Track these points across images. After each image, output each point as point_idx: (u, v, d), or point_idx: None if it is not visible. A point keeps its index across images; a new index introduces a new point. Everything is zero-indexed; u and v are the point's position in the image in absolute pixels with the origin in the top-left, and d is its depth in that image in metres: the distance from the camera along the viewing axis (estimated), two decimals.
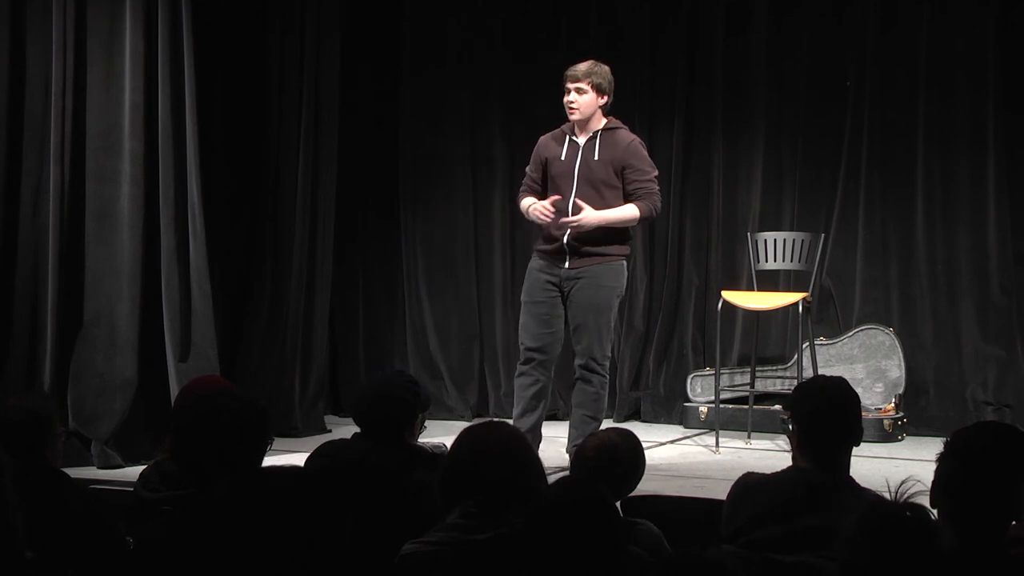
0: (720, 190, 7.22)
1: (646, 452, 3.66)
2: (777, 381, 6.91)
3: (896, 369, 6.78)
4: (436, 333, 7.44)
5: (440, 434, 4.63)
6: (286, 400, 6.50)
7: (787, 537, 2.93)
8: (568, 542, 2.40)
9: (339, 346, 7.49)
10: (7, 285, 5.60)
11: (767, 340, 7.07)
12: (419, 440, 3.76)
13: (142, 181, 5.64)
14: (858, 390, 3.32)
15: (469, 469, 2.83)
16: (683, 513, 4.02)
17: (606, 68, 5.44)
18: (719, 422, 6.34)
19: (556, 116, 5.67)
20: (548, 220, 5.29)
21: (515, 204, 5.74)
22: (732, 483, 3.23)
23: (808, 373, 6.28)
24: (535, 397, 5.36)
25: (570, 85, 5.39)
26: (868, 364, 6.84)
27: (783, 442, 3.72)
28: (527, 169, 5.59)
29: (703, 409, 6.86)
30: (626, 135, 5.46)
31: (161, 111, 5.64)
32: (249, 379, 6.28)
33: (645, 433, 6.05)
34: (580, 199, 5.32)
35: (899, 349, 6.78)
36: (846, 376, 3.96)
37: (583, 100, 5.37)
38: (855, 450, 3.16)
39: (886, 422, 6.48)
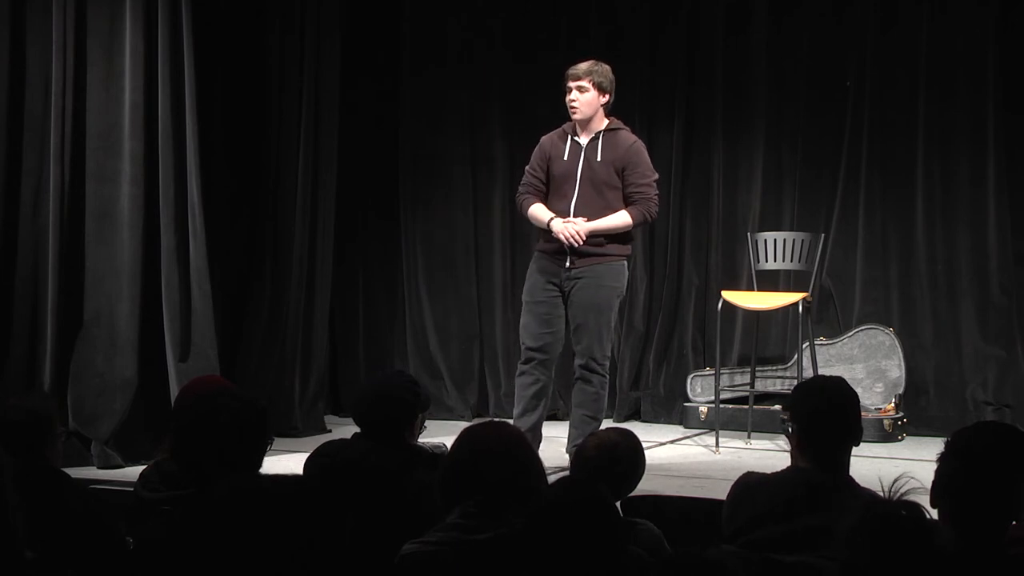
0: (720, 190, 7.22)
1: (646, 452, 3.66)
2: (777, 381, 6.91)
3: (896, 369, 6.78)
4: (436, 333, 7.44)
5: (440, 434, 4.62)
6: (286, 400, 6.50)
7: (787, 537, 2.93)
8: (568, 542, 2.40)
9: (339, 346, 7.49)
10: (7, 285, 5.60)
11: (767, 340, 7.07)
12: (419, 440, 3.76)
13: (142, 181, 5.64)
14: (858, 390, 3.32)
15: (469, 469, 2.83)
16: (683, 513, 4.02)
17: (607, 67, 5.44)
18: (719, 422, 6.34)
19: (556, 116, 5.67)
20: (577, 243, 5.27)
21: (515, 204, 5.72)
22: (732, 483, 3.23)
23: (808, 373, 6.28)
24: (535, 397, 5.36)
25: (571, 84, 5.39)
26: (868, 364, 6.84)
27: (783, 442, 3.72)
28: (528, 169, 5.57)
29: (703, 409, 6.86)
30: (628, 136, 5.46)
31: (161, 111, 5.64)
32: (249, 379, 6.28)
33: (645, 433, 6.04)
34: (582, 200, 5.32)
35: (899, 349, 6.78)
36: (846, 376, 3.96)
37: (584, 99, 5.37)
38: (855, 450, 3.16)
39: (886, 422, 6.48)
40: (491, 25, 7.45)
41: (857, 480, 3.10)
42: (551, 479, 3.04)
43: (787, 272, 6.83)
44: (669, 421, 7.07)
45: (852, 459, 3.15)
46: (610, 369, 5.56)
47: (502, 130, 7.42)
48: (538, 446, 5.15)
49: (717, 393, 6.41)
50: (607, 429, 3.89)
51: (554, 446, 5.57)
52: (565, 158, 5.43)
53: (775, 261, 6.66)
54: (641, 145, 5.50)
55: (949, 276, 6.85)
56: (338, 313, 7.40)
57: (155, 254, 5.67)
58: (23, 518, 2.14)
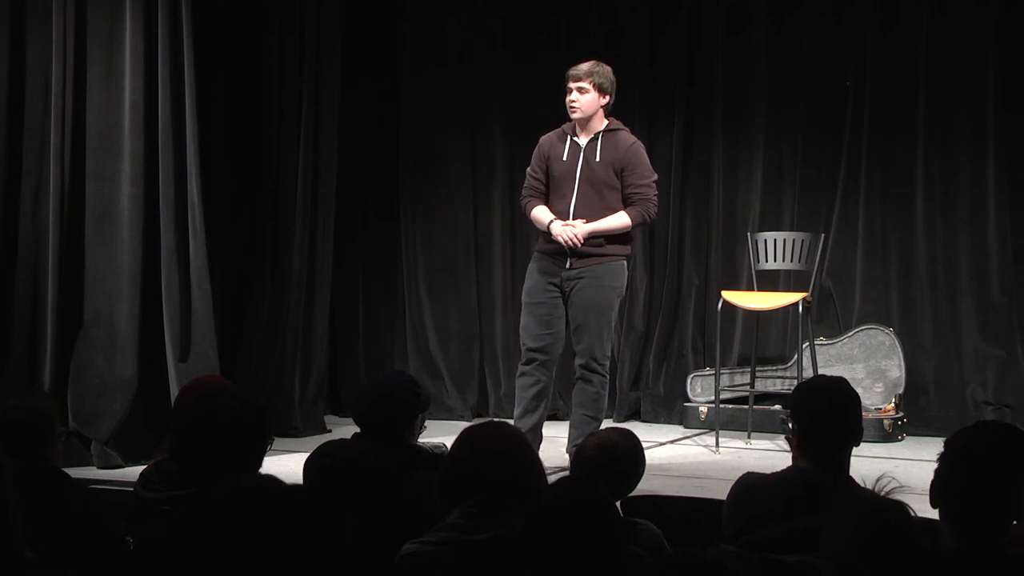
0: (720, 190, 7.22)
1: (646, 452, 3.65)
2: (777, 381, 6.91)
3: (896, 369, 6.78)
4: (436, 333, 7.44)
5: (440, 434, 4.62)
6: (286, 400, 6.50)
7: (787, 537, 2.93)
8: (568, 542, 2.39)
9: (339, 346, 7.49)
10: (7, 285, 5.60)
11: (767, 340, 7.07)
12: (419, 440, 3.76)
13: (142, 181, 5.64)
14: (858, 390, 3.32)
15: (469, 469, 2.83)
16: (683, 513, 4.02)
17: (608, 68, 5.44)
18: (719, 422, 6.34)
19: (556, 116, 5.67)
20: (577, 245, 5.27)
21: (515, 204, 5.73)
22: (732, 483, 3.23)
23: (808, 373, 6.28)
24: (536, 397, 5.36)
25: (572, 84, 5.39)
26: (868, 364, 6.84)
27: (783, 442, 3.72)
28: (529, 172, 5.57)
29: (703, 409, 6.86)
30: (627, 137, 5.46)
31: (161, 111, 5.64)
32: (249, 379, 6.28)
33: (645, 433, 6.05)
34: (581, 200, 5.33)
35: (899, 349, 6.78)
36: (846, 376, 3.95)
37: (585, 99, 5.37)
38: (855, 450, 3.16)
39: (886, 422, 6.48)
40: (491, 25, 7.45)
41: (858, 480, 3.10)
42: (551, 479, 3.04)
43: (787, 272, 6.83)
44: (669, 421, 7.07)
45: (852, 459, 3.15)
46: (610, 369, 5.56)
47: (502, 130, 7.42)
48: (538, 447, 5.15)
49: (717, 393, 6.41)
50: (607, 429, 3.88)
51: (554, 446, 5.57)
52: (564, 158, 5.43)
53: (775, 261, 6.66)
54: (640, 146, 5.50)
55: (949, 276, 6.86)
56: (338, 313, 7.40)
57: (155, 254, 5.67)
58: (23, 518, 2.14)
